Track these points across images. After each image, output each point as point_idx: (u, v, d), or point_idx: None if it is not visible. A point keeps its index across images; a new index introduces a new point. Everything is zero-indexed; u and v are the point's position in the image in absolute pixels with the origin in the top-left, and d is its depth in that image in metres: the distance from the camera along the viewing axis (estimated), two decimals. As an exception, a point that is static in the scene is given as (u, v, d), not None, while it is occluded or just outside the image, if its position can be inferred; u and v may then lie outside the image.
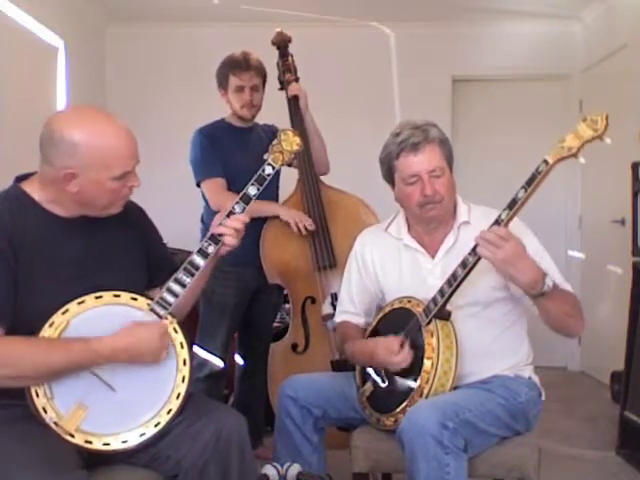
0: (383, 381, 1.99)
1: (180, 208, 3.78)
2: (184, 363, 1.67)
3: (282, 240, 2.83)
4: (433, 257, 2.05)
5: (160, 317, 1.66)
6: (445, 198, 1.99)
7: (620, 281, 3.93)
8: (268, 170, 1.78)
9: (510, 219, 1.75)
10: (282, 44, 2.98)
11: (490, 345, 2.00)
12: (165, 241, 2.09)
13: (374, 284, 2.16)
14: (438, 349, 1.84)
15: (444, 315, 1.89)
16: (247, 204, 1.76)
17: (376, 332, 2.08)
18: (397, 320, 1.98)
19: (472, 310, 1.98)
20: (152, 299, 1.68)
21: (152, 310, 1.67)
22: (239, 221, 1.74)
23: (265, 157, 1.79)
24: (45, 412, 1.56)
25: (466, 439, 1.77)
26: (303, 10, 4.50)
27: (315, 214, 2.83)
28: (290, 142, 1.81)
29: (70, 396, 1.58)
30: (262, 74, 2.90)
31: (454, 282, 1.84)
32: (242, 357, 3.14)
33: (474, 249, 1.78)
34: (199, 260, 1.71)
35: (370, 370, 2.04)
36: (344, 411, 2.08)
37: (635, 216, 3.27)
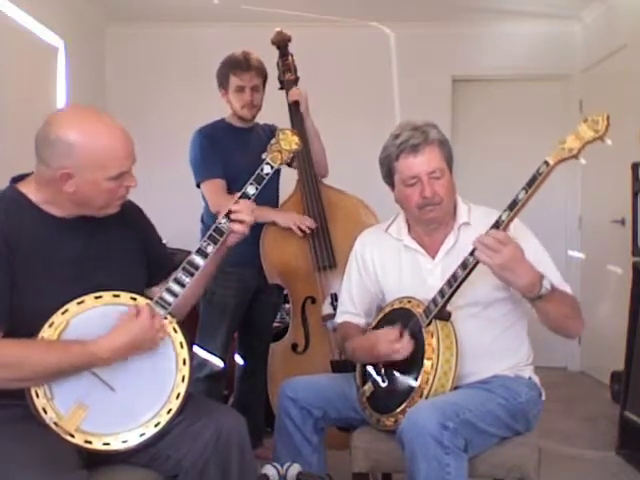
0: (383, 381, 1.99)
1: (180, 208, 3.77)
2: (184, 363, 1.67)
3: (282, 240, 2.82)
4: (433, 258, 2.05)
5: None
6: (444, 200, 1.99)
7: (620, 281, 3.93)
8: (267, 169, 1.78)
9: (511, 220, 1.75)
10: (282, 44, 2.98)
11: (490, 345, 2.00)
12: (165, 241, 2.09)
13: (374, 284, 2.16)
14: (438, 350, 1.84)
15: (444, 316, 1.89)
16: None
17: (376, 332, 2.08)
18: (397, 320, 1.98)
19: (472, 310, 1.98)
20: (152, 299, 1.68)
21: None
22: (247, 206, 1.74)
23: (264, 156, 1.79)
24: (45, 412, 1.56)
25: (466, 439, 1.77)
26: (303, 10, 4.50)
27: (315, 214, 2.83)
28: (289, 141, 1.81)
29: (70, 396, 1.58)
30: (263, 74, 2.90)
31: (454, 283, 1.84)
32: (242, 357, 3.14)
33: (473, 252, 1.78)
34: (198, 260, 1.70)
35: (370, 369, 2.04)
36: (344, 411, 2.08)
37: (635, 216, 3.27)
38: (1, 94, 3.50)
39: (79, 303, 1.62)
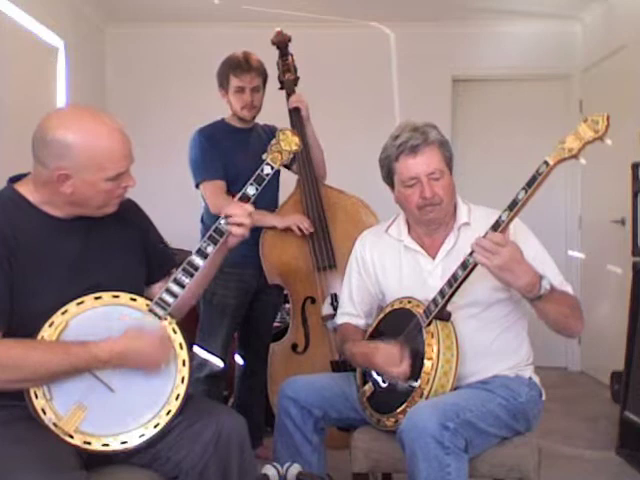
0: (384, 381, 1.98)
1: (180, 208, 3.78)
2: (183, 364, 1.66)
3: (282, 241, 2.82)
4: (433, 258, 2.05)
5: (159, 318, 1.66)
6: (444, 200, 1.99)
7: (620, 281, 3.93)
8: (267, 170, 1.78)
9: (511, 220, 1.75)
10: (282, 44, 2.98)
11: (490, 345, 2.00)
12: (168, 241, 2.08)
13: (374, 285, 2.16)
14: (438, 350, 1.84)
15: (444, 316, 1.89)
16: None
17: (376, 333, 2.08)
18: (397, 321, 1.99)
19: (472, 311, 1.98)
20: (151, 300, 1.68)
21: (151, 311, 1.66)
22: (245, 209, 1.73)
23: (264, 157, 1.79)
24: (44, 413, 1.56)
25: (467, 439, 1.77)
26: (303, 10, 4.50)
27: (315, 214, 2.83)
28: (289, 142, 1.81)
29: (69, 397, 1.58)
30: (263, 75, 2.90)
31: (454, 283, 1.84)
32: (242, 357, 3.14)
33: (471, 254, 1.78)
34: (198, 260, 1.70)
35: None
36: (344, 411, 2.08)
37: (635, 216, 3.27)
38: (1, 94, 3.50)
39: (79, 304, 1.62)
